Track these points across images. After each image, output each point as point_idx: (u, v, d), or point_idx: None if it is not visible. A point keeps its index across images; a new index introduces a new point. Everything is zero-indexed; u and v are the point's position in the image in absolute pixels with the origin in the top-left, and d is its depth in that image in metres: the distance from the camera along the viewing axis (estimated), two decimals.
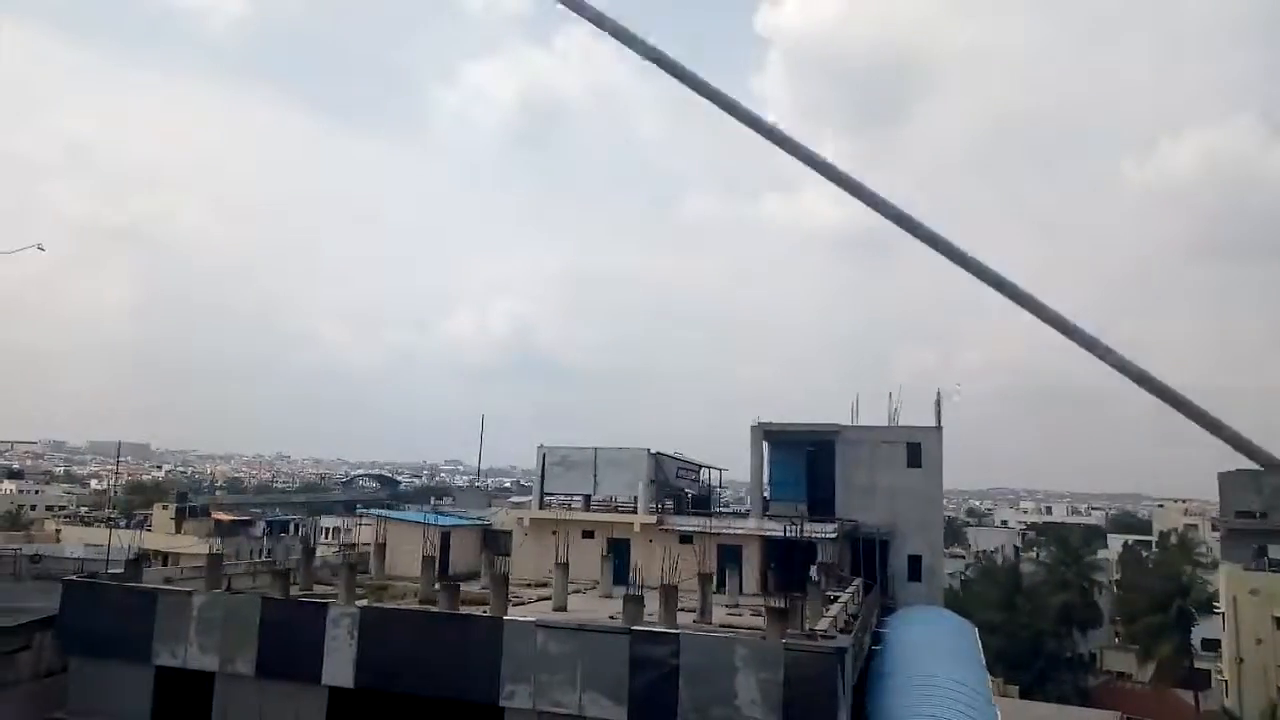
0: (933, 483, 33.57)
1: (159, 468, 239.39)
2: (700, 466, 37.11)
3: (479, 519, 37.79)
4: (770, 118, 2.24)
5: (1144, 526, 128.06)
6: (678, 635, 18.09)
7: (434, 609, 20.43)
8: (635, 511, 35.77)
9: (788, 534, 32.81)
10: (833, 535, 32.38)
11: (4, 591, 26.33)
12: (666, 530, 34.36)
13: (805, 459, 36.07)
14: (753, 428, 35.06)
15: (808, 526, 33.21)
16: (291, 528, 72.00)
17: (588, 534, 35.67)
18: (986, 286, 2.13)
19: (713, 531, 34.09)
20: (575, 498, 36.57)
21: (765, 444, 38.97)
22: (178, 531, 68.35)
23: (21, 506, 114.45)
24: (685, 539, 34.50)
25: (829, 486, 35.60)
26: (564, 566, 27.14)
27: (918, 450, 33.74)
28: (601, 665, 18.07)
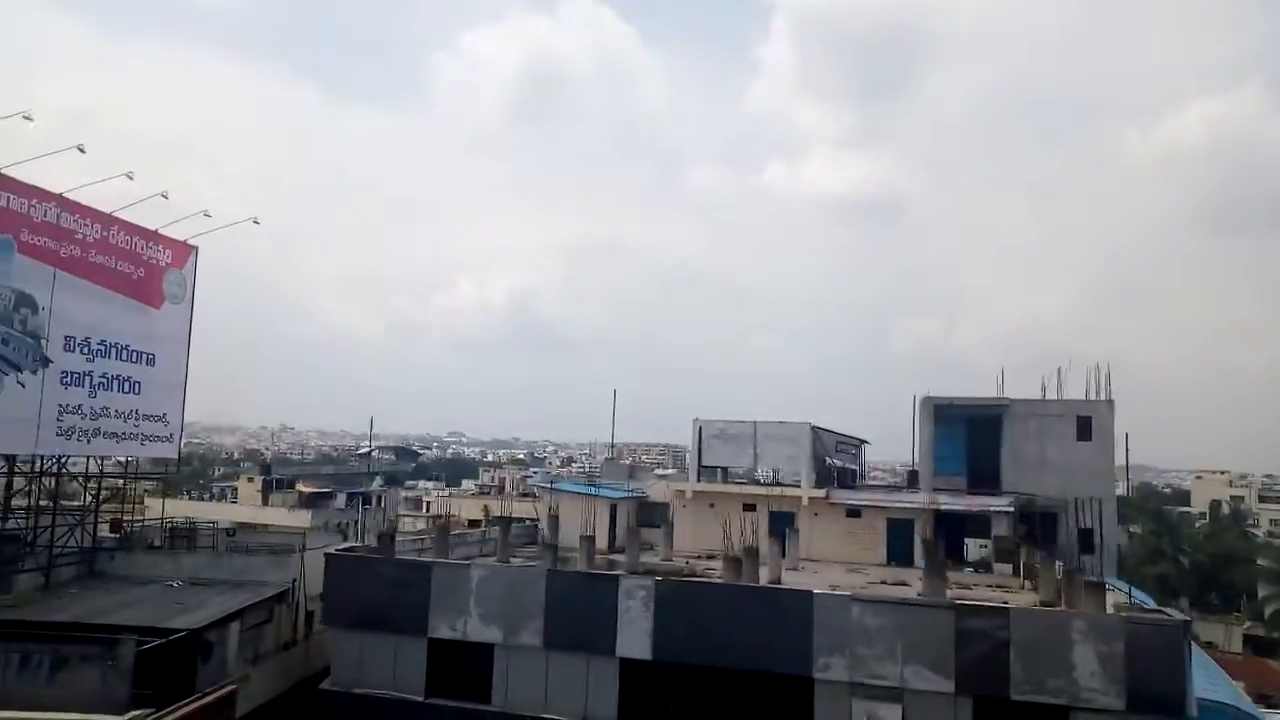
0: (1104, 456, 33.75)
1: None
2: (860, 441, 37.33)
3: (634, 491, 37.93)
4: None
5: (1182, 497, 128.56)
6: (1008, 610, 18.34)
7: (737, 582, 20.53)
8: (794, 486, 36.01)
9: (964, 508, 33.14)
10: (1008, 508, 32.62)
11: (214, 564, 26.44)
12: (834, 504, 34.59)
13: (965, 432, 36.23)
14: (921, 401, 35.20)
15: (978, 499, 33.51)
16: (374, 500, 72.22)
17: (749, 507, 35.88)
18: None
19: (882, 505, 34.36)
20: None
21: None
22: (264, 504, 68.52)
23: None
24: (853, 513, 34.80)
25: (989, 459, 35.78)
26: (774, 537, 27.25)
27: (1088, 423, 33.91)
28: (924, 639, 18.33)
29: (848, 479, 39.54)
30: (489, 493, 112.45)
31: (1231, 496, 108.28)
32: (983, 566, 32.37)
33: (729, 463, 37.20)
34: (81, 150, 21.11)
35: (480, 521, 72.29)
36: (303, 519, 63.01)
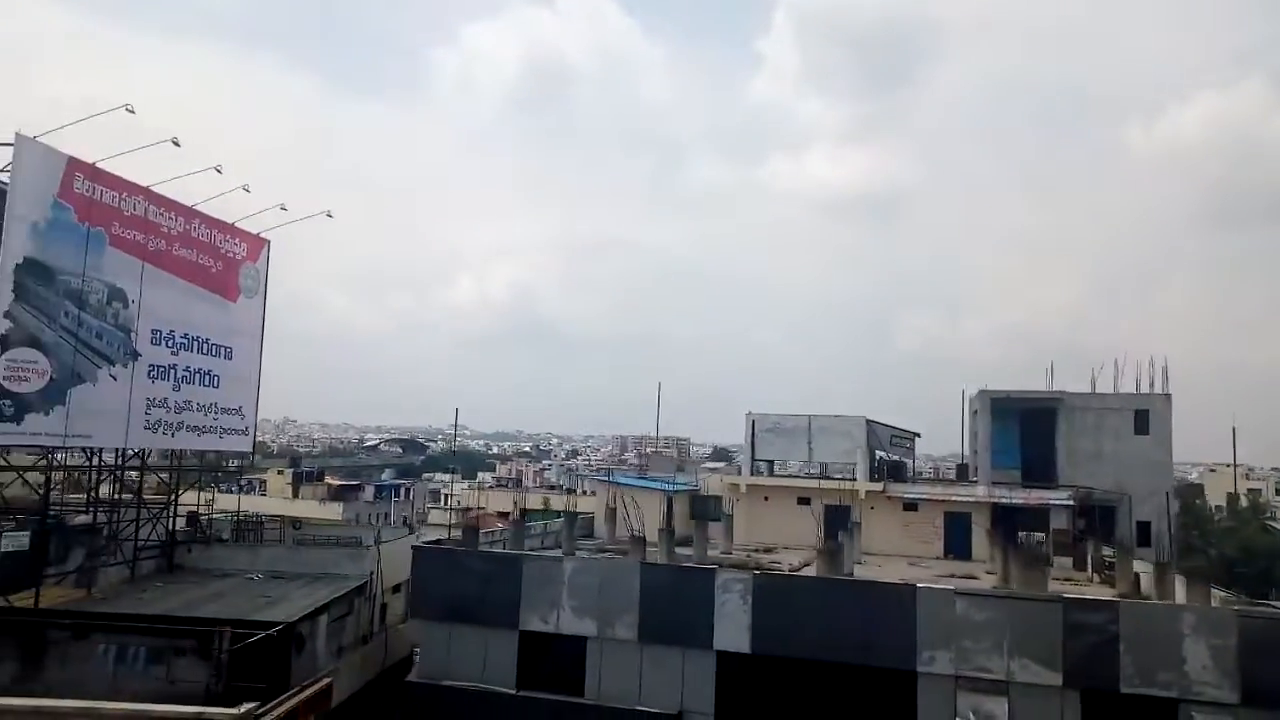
0: (1161, 449, 33.87)
1: None
2: (914, 434, 37.37)
3: (686, 484, 38.01)
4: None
5: (1195, 491, 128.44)
6: (1116, 603, 18.39)
7: (837, 576, 20.60)
8: (849, 479, 36.08)
9: (1023, 501, 33.23)
10: (1067, 502, 32.71)
11: (290, 557, 26.54)
12: (891, 498, 34.67)
13: (1019, 425, 36.30)
14: (979, 394, 35.28)
15: (1037, 493, 33.59)
16: (402, 492, 72.47)
17: (803, 501, 36.00)
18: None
19: (940, 498, 34.43)
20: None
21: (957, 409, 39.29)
22: (294, 496, 68.70)
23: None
24: (909, 506, 34.88)
25: (1043, 453, 35.89)
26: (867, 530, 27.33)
27: (1145, 417, 33.99)
28: (1031, 632, 18.38)
29: (897, 472, 39.59)
30: (506, 485, 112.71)
31: (1249, 490, 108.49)
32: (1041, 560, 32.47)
33: (783, 456, 37.30)
34: (176, 144, 21.06)
35: (509, 514, 72.44)
36: (334, 511, 63.28)
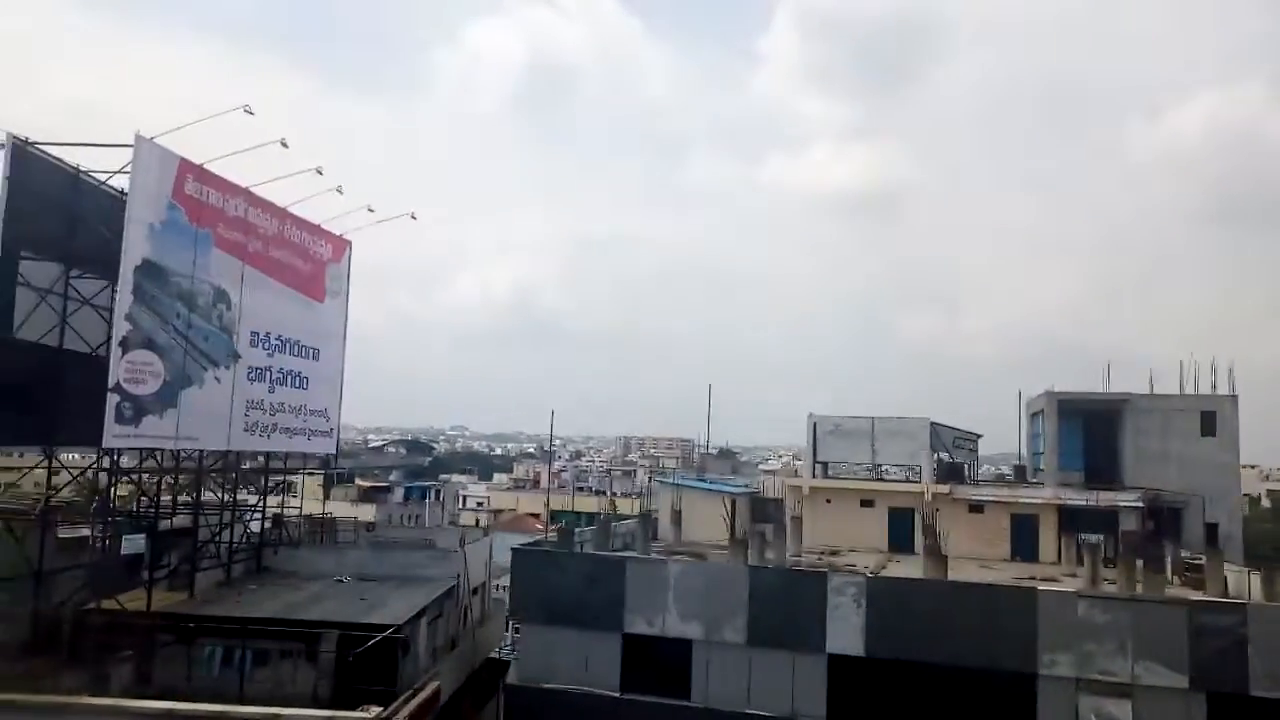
0: (1228, 451, 33.80)
1: None
2: (977, 436, 37.33)
3: (746, 486, 37.95)
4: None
5: None
6: (1245, 606, 18.36)
7: (952, 580, 20.55)
8: (911, 481, 36.03)
9: (1092, 503, 33.17)
10: (1137, 503, 32.63)
11: (376, 560, 26.41)
12: (956, 499, 34.59)
13: (1082, 427, 36.25)
14: (1045, 396, 35.24)
15: (1105, 494, 33.52)
16: (432, 494, 72.24)
17: (866, 503, 35.94)
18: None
19: (1007, 500, 34.36)
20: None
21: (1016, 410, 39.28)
22: (326, 498, 68.50)
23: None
24: (975, 508, 34.80)
25: (1106, 454, 35.86)
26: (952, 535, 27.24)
27: (1212, 418, 33.93)
28: (1156, 635, 18.36)
29: (954, 474, 39.51)
30: (524, 486, 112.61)
31: (1269, 490, 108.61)
32: (1108, 562, 32.44)
33: (845, 458, 37.20)
34: (284, 145, 21.00)
35: (539, 515, 72.49)
36: (366, 513, 63.12)
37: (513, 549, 23.46)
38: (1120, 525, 32.96)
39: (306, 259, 25.15)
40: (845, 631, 20.17)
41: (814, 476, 37.03)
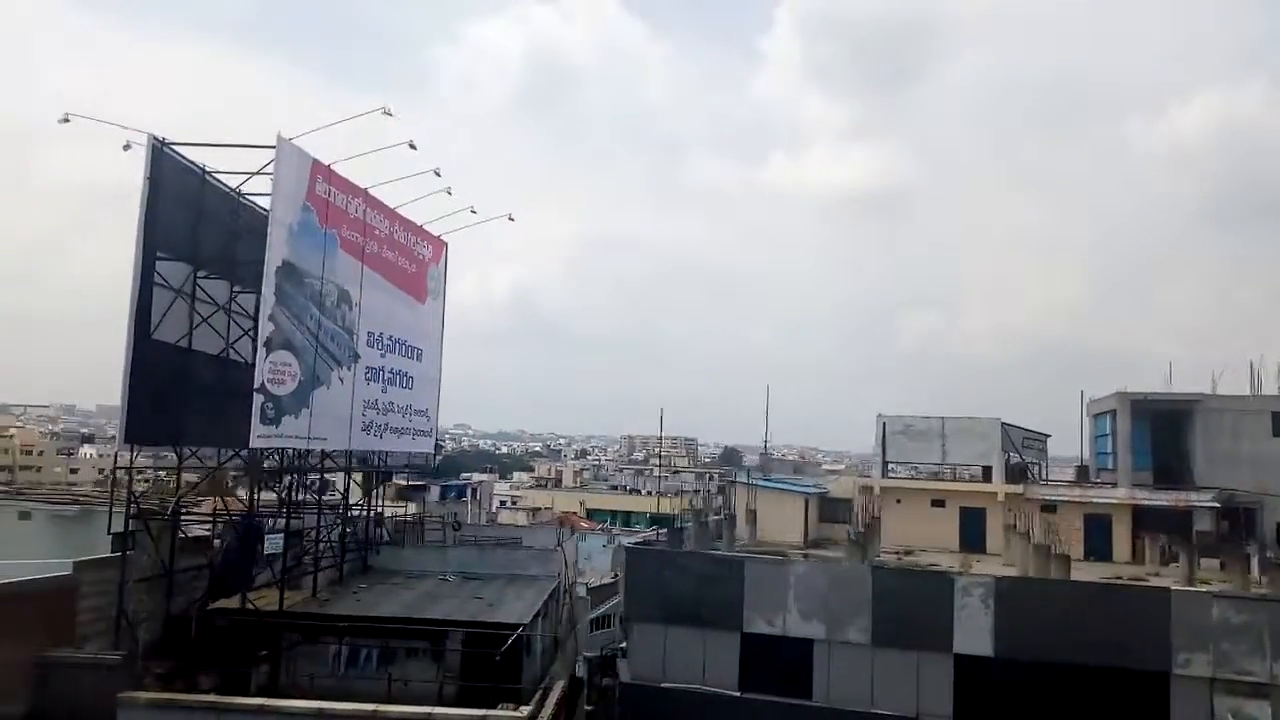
0: None
1: None
2: (1046, 436, 37.52)
3: (815, 486, 38.07)
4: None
5: None
6: None
7: (1081, 580, 20.69)
8: (982, 481, 36.20)
9: (1168, 503, 33.32)
10: (1212, 504, 32.80)
11: (480, 559, 26.46)
12: (1029, 499, 34.73)
13: (1150, 427, 36.40)
14: (1117, 396, 35.39)
15: (1179, 495, 33.68)
16: (469, 492, 72.27)
17: (937, 503, 36.10)
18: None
19: (1080, 500, 34.52)
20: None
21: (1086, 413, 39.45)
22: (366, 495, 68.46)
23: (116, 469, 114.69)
24: (1048, 508, 34.94)
25: (1175, 454, 36.02)
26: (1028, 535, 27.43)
27: None
28: None
29: (1019, 474, 39.65)
30: (545, 485, 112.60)
31: None
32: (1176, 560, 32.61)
33: (915, 459, 37.37)
34: (413, 147, 21.06)
35: (574, 514, 72.48)
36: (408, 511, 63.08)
37: (626, 548, 23.58)
38: (1194, 525, 33.19)
39: (411, 260, 25.24)
40: (973, 632, 20.29)
41: (884, 476, 37.22)
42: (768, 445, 42.68)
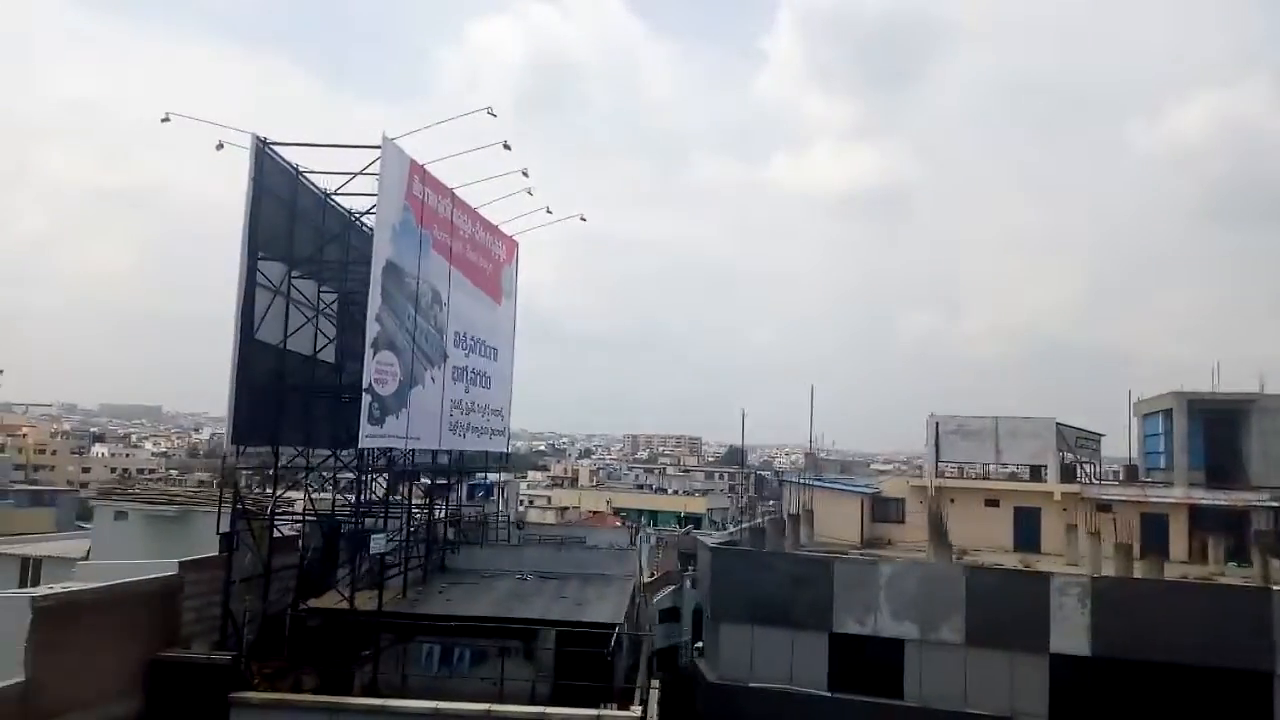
0: None
1: (197, 430, 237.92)
2: (1099, 435, 37.55)
3: (867, 486, 38.08)
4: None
5: None
6: None
7: (1178, 580, 20.71)
8: (1036, 481, 36.21)
9: (1226, 503, 33.34)
10: (1271, 503, 32.82)
11: (555, 558, 26.43)
12: (1085, 499, 34.75)
13: (1203, 427, 36.43)
14: (1173, 396, 35.43)
15: (1236, 494, 33.71)
16: (496, 491, 72.33)
17: (991, 502, 36.11)
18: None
19: (1137, 500, 34.53)
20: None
21: (1134, 414, 39.51)
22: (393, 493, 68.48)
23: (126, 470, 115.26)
24: (1103, 507, 34.95)
25: (1229, 454, 36.03)
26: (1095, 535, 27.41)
27: None
28: None
29: (1069, 474, 39.63)
30: (561, 484, 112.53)
31: None
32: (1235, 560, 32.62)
33: (968, 458, 37.41)
34: (507, 147, 21.03)
35: (599, 513, 72.42)
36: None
37: (711, 548, 23.58)
38: (1252, 525, 33.22)
39: (489, 259, 25.24)
40: (1070, 631, 20.34)
41: (936, 476, 37.21)
42: (813, 446, 42.69)
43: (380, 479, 24.52)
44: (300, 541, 22.18)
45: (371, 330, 18.44)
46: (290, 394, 20.24)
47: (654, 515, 70.37)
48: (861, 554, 29.36)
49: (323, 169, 20.72)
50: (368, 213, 20.61)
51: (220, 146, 19.28)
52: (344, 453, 21.22)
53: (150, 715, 17.35)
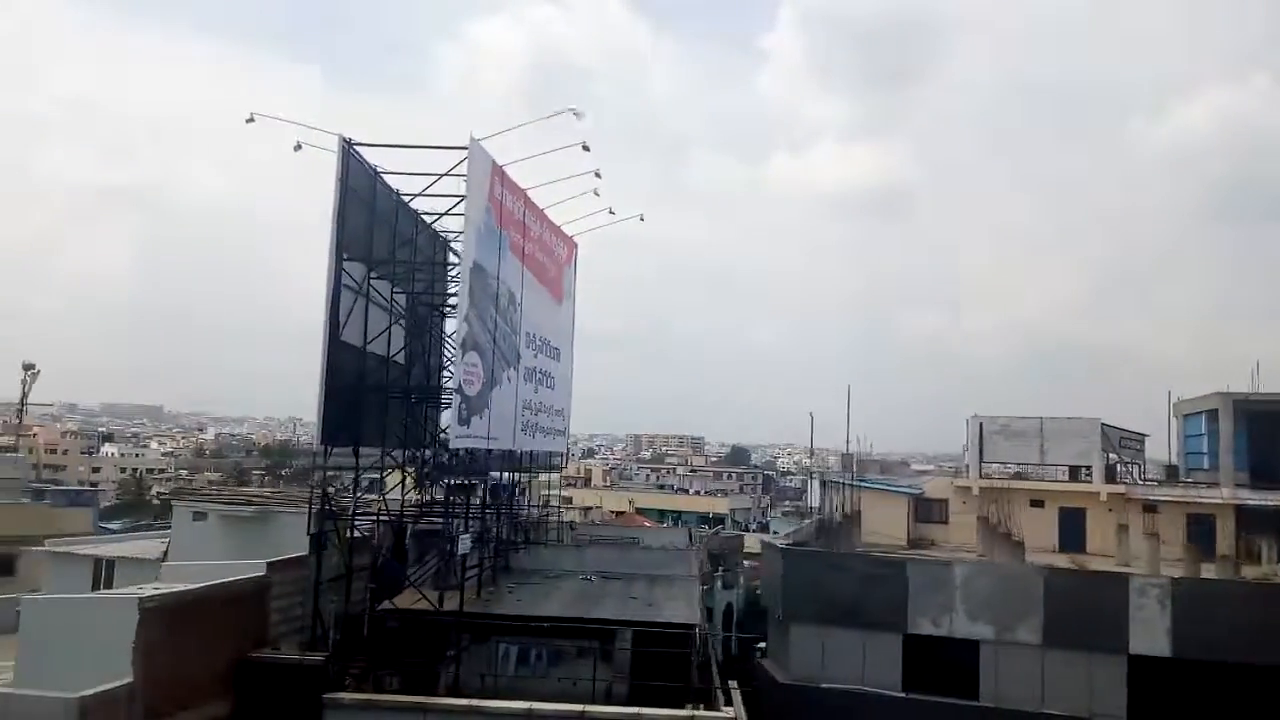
0: None
1: (200, 430, 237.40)
2: (1143, 436, 37.61)
3: (910, 487, 38.11)
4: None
5: None
6: None
7: (1258, 581, 20.75)
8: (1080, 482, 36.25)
9: (1274, 504, 33.37)
10: None
11: (618, 559, 26.44)
12: (1130, 500, 34.80)
13: (1246, 427, 36.44)
14: (1219, 396, 35.47)
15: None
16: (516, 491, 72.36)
17: (1036, 503, 36.11)
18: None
19: (1183, 500, 34.57)
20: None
21: (1175, 415, 39.58)
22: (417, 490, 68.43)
23: (137, 470, 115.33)
24: (1149, 508, 35.00)
25: (1275, 455, 36.02)
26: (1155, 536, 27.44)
27: None
28: None
29: (1110, 474, 39.61)
30: (575, 484, 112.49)
31: None
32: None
33: (1012, 459, 37.43)
34: (586, 148, 21.07)
35: (622, 513, 72.40)
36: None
37: (782, 548, 23.61)
38: None
39: (553, 260, 25.27)
40: (1150, 632, 20.37)
41: (980, 477, 37.23)
42: (849, 447, 42.64)
43: (447, 480, 24.61)
44: (374, 541, 22.23)
45: (460, 331, 18.46)
46: (369, 395, 20.30)
47: (677, 516, 70.32)
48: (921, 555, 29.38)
49: (395, 169, 20.85)
50: (449, 213, 20.71)
51: (298, 148, 19.37)
52: (421, 452, 21.27)
53: (241, 715, 17.38)
